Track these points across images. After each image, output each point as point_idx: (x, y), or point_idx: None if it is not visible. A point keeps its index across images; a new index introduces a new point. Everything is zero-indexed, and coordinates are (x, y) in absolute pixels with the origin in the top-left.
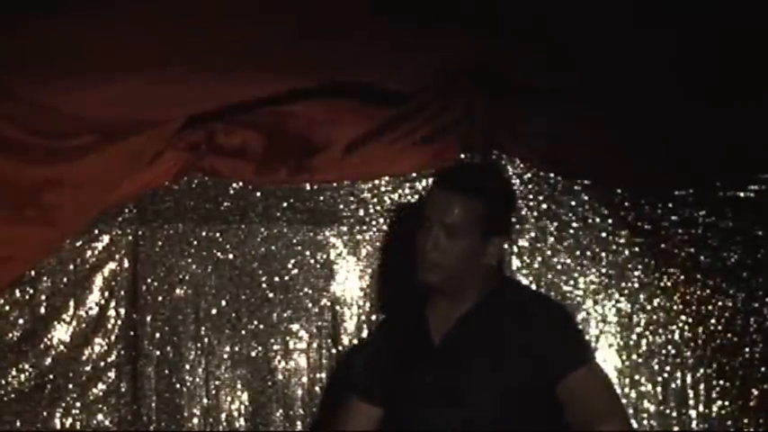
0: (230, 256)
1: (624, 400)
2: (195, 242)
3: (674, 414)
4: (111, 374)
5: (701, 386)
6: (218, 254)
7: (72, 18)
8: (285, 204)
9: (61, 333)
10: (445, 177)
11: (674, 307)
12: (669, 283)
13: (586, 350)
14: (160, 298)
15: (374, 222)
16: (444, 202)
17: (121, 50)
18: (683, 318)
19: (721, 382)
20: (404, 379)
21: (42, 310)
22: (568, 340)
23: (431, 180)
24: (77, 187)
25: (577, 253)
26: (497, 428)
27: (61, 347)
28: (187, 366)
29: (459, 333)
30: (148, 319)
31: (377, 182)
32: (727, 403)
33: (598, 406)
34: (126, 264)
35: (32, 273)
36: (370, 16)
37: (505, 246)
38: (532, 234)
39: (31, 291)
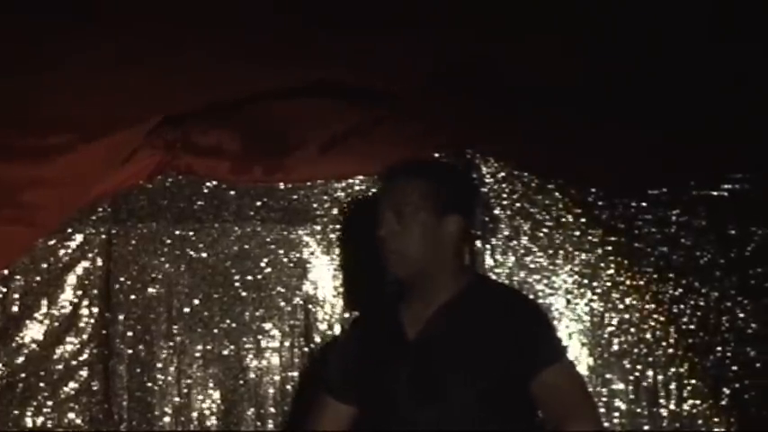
0: (203, 254)
1: (596, 399)
2: (168, 241)
3: (646, 413)
4: (84, 373)
5: (673, 385)
6: (192, 253)
7: (51, 16)
8: (259, 203)
9: (33, 332)
10: (388, 170)
11: (647, 306)
12: (642, 282)
13: (560, 347)
14: (133, 297)
15: (347, 221)
16: (388, 189)
17: (100, 48)
18: (656, 317)
19: (693, 381)
20: (379, 376)
21: (15, 308)
22: (542, 337)
23: None
24: (56, 186)
25: (551, 252)
26: (474, 425)
27: (33, 346)
28: (159, 365)
29: (433, 328)
30: (121, 317)
31: (351, 181)
32: (698, 402)
33: (570, 403)
34: (99, 262)
35: (5, 271)
36: (357, 15)
37: (479, 242)
38: (506, 233)
39: (4, 289)
